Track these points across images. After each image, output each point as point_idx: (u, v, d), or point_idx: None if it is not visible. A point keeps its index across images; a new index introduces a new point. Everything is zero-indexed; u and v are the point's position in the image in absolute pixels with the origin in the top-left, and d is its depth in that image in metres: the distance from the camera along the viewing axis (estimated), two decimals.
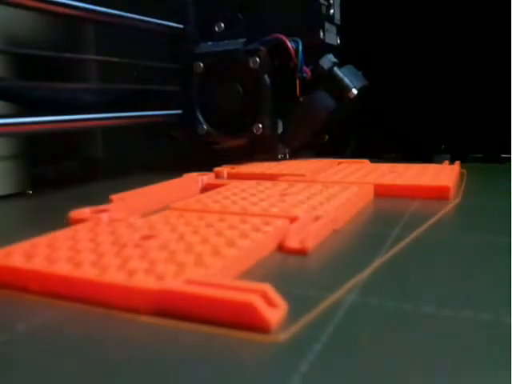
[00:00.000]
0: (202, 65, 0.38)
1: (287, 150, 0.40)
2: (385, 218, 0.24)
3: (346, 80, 0.37)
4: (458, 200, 0.27)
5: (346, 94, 0.37)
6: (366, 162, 0.37)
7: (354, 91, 0.37)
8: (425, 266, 0.17)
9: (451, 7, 0.45)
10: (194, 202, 0.25)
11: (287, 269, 0.17)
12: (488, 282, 0.15)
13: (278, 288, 0.13)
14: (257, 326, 0.12)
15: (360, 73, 0.40)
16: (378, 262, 0.17)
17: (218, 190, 0.28)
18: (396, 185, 0.28)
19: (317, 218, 0.20)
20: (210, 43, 0.39)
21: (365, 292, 0.14)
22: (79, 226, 0.20)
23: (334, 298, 0.14)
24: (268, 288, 0.13)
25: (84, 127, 0.40)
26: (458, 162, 0.34)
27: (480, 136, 0.46)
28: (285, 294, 0.13)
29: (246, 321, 0.12)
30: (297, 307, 0.13)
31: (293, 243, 0.18)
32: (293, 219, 0.20)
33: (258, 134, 0.37)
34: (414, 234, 0.20)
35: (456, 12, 0.45)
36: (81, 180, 0.50)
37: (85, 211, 0.22)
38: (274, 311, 0.12)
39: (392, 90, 0.47)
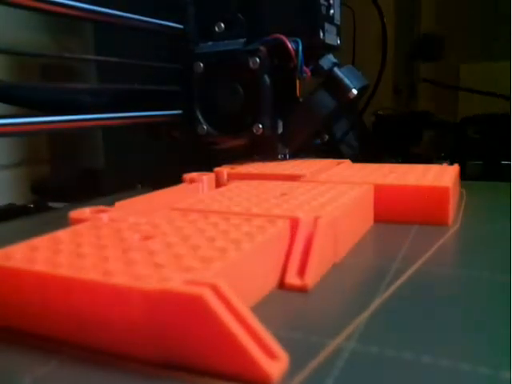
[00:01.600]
0: (201, 65, 0.38)
1: (287, 151, 0.40)
2: (384, 247, 0.24)
3: (346, 80, 0.37)
4: (457, 226, 0.26)
5: (345, 94, 0.37)
6: (347, 161, 0.37)
7: (354, 91, 0.37)
8: (424, 308, 0.16)
9: None
10: (195, 201, 0.25)
11: (287, 309, 0.17)
12: (488, 329, 0.15)
13: (279, 333, 0.13)
14: (257, 380, 0.12)
15: (360, 73, 0.40)
16: (376, 303, 0.17)
17: (219, 190, 0.28)
18: (396, 185, 0.27)
19: (317, 219, 0.20)
20: (210, 43, 0.39)
21: (364, 338, 0.14)
22: (79, 227, 0.20)
23: (334, 344, 0.14)
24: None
25: (84, 127, 0.40)
26: (456, 165, 0.33)
27: (480, 143, 0.45)
28: (285, 340, 0.13)
29: (245, 374, 0.12)
30: (298, 355, 0.13)
31: (293, 280, 0.18)
32: (294, 220, 0.20)
33: (258, 134, 0.37)
34: (413, 269, 0.20)
35: None
36: (83, 191, 0.50)
37: (85, 211, 0.22)
38: (275, 363, 0.12)
39: None
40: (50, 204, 0.48)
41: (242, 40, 0.38)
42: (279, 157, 0.40)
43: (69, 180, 0.55)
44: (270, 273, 0.18)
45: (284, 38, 0.35)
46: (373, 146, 0.66)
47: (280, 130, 0.39)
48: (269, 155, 0.39)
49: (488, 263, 0.21)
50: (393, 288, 0.18)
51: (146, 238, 0.18)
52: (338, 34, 0.41)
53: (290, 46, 0.35)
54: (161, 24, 0.40)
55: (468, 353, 0.13)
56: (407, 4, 0.87)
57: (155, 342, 0.13)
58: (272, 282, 0.18)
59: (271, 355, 0.12)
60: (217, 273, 0.14)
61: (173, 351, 0.13)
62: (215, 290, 0.13)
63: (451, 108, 0.81)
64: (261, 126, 0.37)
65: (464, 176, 0.35)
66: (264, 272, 0.18)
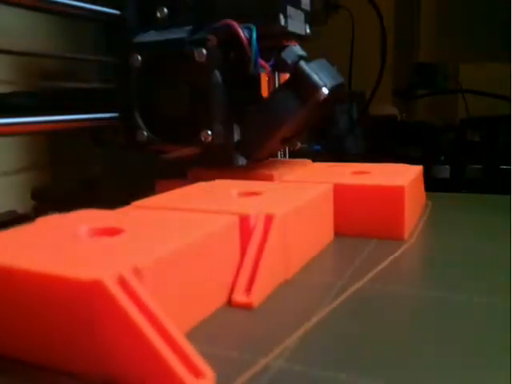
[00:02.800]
0: (139, 57, 0.31)
1: (245, 161, 0.33)
2: (337, 263, 0.24)
3: (315, 77, 0.30)
4: (412, 240, 0.27)
5: (314, 93, 0.30)
6: (308, 161, 0.37)
7: (325, 90, 0.30)
8: (357, 327, 0.17)
9: None
10: (155, 199, 0.25)
11: (229, 327, 0.17)
12: (423, 350, 0.15)
13: (216, 351, 0.15)
14: None
15: (334, 68, 0.33)
16: (312, 322, 0.17)
17: (182, 188, 0.28)
18: (354, 185, 0.28)
19: (270, 216, 0.20)
20: (151, 32, 0.32)
21: (292, 357, 0.15)
22: (40, 221, 0.21)
23: (263, 362, 0.15)
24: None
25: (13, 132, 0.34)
26: (420, 167, 0.33)
27: (479, 147, 0.42)
28: (220, 358, 0.14)
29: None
30: (226, 373, 0.14)
31: (240, 297, 0.19)
32: (244, 217, 0.20)
33: (207, 142, 0.31)
34: (356, 286, 0.20)
35: None
36: (82, 200, 0.46)
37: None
38: (200, 382, 0.12)
39: None
40: (51, 213, 0.44)
41: (189, 28, 0.31)
42: (239, 163, 0.33)
43: (69, 188, 0.52)
44: (216, 277, 0.19)
45: (234, 23, 0.28)
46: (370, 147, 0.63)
47: (236, 138, 0.32)
48: (224, 166, 0.33)
49: (433, 282, 0.21)
50: (331, 306, 0.18)
51: (93, 232, 0.19)
52: (308, 21, 0.34)
53: (241, 33, 0.28)
54: (94, 10, 0.33)
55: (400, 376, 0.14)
56: (407, 5, 0.86)
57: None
58: (223, 291, 0.19)
59: (196, 373, 0.12)
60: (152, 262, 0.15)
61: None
62: (119, 277, 0.13)
63: (450, 109, 0.81)
64: (210, 132, 0.30)
65: (465, 178, 0.37)
66: (207, 272, 0.18)
